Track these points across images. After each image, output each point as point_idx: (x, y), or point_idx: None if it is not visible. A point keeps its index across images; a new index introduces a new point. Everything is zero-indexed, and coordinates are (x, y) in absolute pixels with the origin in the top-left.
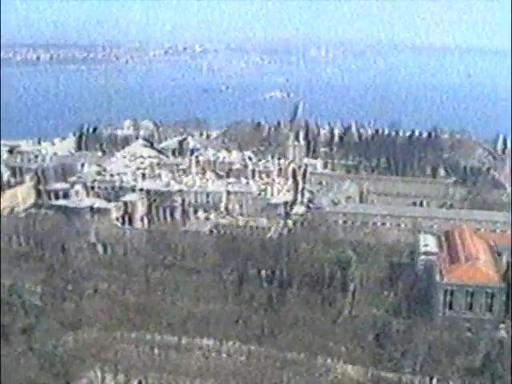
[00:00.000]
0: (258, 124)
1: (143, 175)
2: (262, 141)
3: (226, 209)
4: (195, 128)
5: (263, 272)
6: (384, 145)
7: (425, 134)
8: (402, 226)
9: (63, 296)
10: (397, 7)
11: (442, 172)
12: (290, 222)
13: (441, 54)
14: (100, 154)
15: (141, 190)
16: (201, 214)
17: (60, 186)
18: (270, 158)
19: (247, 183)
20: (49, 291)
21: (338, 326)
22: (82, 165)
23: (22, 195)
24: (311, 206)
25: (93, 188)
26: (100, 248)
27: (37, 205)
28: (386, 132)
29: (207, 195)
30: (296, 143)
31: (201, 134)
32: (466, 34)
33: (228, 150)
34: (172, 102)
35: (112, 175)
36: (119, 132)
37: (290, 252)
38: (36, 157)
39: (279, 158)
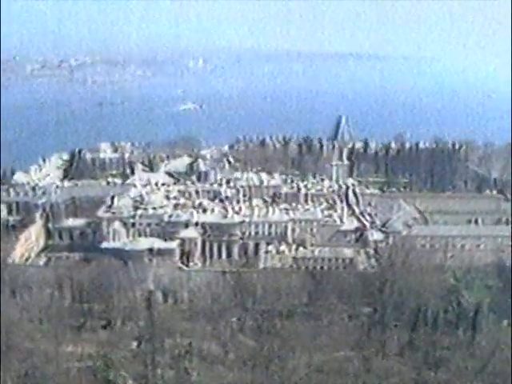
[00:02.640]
0: (263, 141)
1: (194, 207)
2: (290, 160)
3: (294, 239)
4: (183, 148)
5: (367, 310)
6: (409, 159)
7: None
8: (482, 246)
9: (154, 363)
10: (266, 12)
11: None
12: (370, 251)
13: (331, 60)
14: (104, 183)
15: (196, 223)
16: (270, 247)
17: (72, 222)
18: (313, 179)
19: (307, 209)
20: (129, 357)
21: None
22: (113, 197)
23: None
24: (386, 230)
25: (134, 225)
26: (160, 296)
27: (49, 247)
28: (408, 146)
29: (270, 225)
30: (339, 162)
31: (190, 155)
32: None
33: (258, 172)
34: (69, 117)
35: (155, 208)
36: (101, 155)
37: (393, 285)
38: (33, 189)
39: (322, 180)
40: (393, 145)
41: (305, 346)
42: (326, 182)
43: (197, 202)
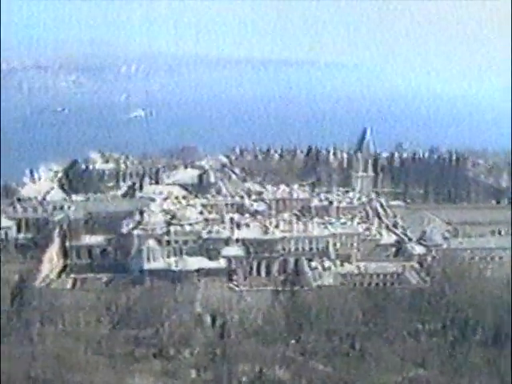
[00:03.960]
0: (267, 151)
1: (232, 222)
2: (298, 171)
3: (337, 255)
4: (178, 158)
5: (428, 326)
6: (417, 170)
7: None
8: None
9: None
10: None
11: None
12: (415, 265)
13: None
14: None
15: (236, 240)
16: (313, 263)
17: (90, 240)
18: (339, 192)
19: (344, 223)
20: None
21: None
22: (141, 212)
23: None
24: (427, 244)
25: (169, 243)
26: (208, 319)
27: (68, 268)
28: (421, 155)
29: (310, 241)
30: (364, 174)
31: (186, 166)
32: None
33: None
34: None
35: (191, 224)
36: (97, 166)
37: (451, 299)
38: (41, 203)
39: (347, 191)
40: (403, 155)
41: (375, 367)
42: (351, 194)
43: (227, 216)
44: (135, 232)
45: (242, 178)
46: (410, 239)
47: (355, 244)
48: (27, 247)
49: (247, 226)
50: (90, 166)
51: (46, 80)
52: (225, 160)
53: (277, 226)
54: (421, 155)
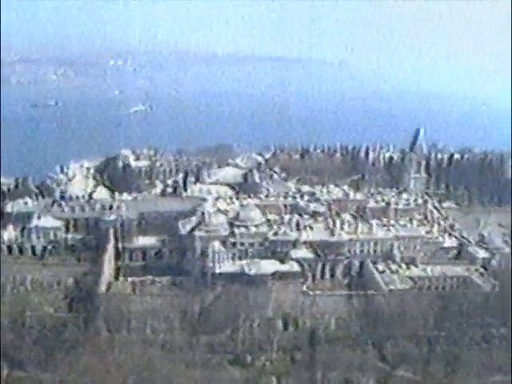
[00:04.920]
0: (307, 150)
1: (297, 225)
2: (342, 171)
3: (402, 258)
4: (214, 155)
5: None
6: (461, 170)
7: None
8: None
9: None
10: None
11: None
12: (479, 268)
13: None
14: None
15: (304, 242)
16: (380, 266)
17: (143, 241)
18: (392, 193)
19: (404, 225)
20: None
21: None
22: (202, 213)
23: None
24: (488, 247)
25: (234, 245)
26: (282, 324)
27: (122, 270)
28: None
29: (375, 243)
30: (417, 175)
31: (219, 165)
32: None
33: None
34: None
35: (256, 226)
36: (133, 164)
37: None
38: (88, 201)
39: (400, 193)
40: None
41: (459, 373)
42: (405, 196)
43: (286, 217)
44: (197, 233)
45: (283, 177)
46: (469, 242)
47: (418, 247)
48: (77, 248)
49: (310, 227)
50: (127, 164)
51: (34, 74)
52: (259, 159)
53: (342, 228)
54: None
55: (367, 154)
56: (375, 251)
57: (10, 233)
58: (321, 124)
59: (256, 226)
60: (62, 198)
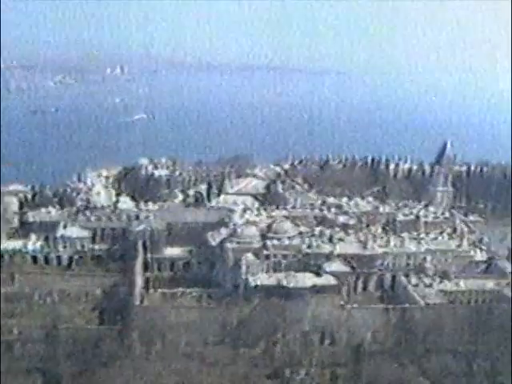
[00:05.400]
0: (326, 162)
1: (330, 239)
2: (370, 182)
3: (435, 271)
4: (233, 165)
5: None
6: (480, 182)
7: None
8: None
9: None
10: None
11: None
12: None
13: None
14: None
15: (338, 255)
16: (413, 279)
17: (171, 252)
18: (419, 206)
19: (435, 238)
20: None
21: None
22: (234, 224)
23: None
24: None
25: (268, 257)
26: (317, 338)
27: (150, 282)
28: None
29: (408, 256)
30: (444, 188)
31: (246, 175)
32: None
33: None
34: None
35: (290, 238)
36: (156, 173)
37: None
38: (113, 211)
39: (426, 206)
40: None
41: None
42: (432, 209)
43: (316, 230)
44: (229, 245)
45: (305, 188)
46: (498, 255)
47: (450, 260)
48: (103, 259)
49: (341, 240)
50: (151, 173)
51: (32, 80)
52: (278, 170)
53: (374, 241)
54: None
55: (387, 165)
56: (407, 264)
57: (33, 242)
58: (327, 133)
59: (289, 238)
60: (86, 207)
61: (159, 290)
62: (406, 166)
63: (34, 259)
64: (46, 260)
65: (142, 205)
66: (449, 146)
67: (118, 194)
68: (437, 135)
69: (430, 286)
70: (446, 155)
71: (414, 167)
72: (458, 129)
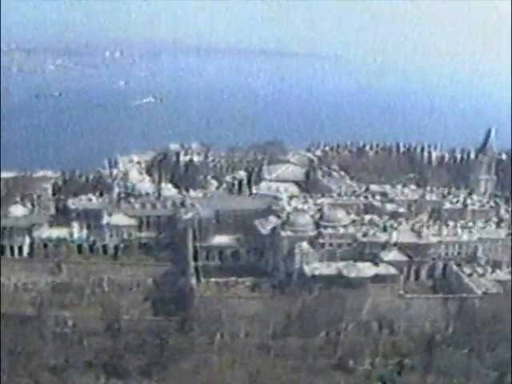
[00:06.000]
0: (362, 147)
1: (386, 227)
2: (406, 169)
3: (487, 261)
4: (266, 152)
5: None
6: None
7: None
8: None
9: None
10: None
11: None
12: None
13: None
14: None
15: (394, 244)
16: (466, 269)
17: (220, 240)
18: (463, 194)
19: (484, 227)
20: None
21: None
22: (289, 212)
23: None
24: None
25: (323, 246)
26: (379, 328)
27: (201, 271)
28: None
29: (460, 246)
30: (488, 176)
31: (278, 161)
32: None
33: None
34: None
35: (345, 226)
36: (187, 158)
37: None
38: (157, 198)
39: (470, 194)
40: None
41: None
42: (476, 197)
43: (366, 218)
44: (283, 233)
45: (341, 175)
46: None
47: (501, 249)
48: (150, 248)
49: (394, 228)
50: (190, 159)
51: (32, 63)
52: (310, 156)
53: (427, 230)
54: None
55: (422, 152)
56: (459, 253)
57: (78, 231)
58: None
59: (344, 226)
60: (128, 194)
61: (212, 280)
62: (437, 153)
63: (79, 248)
64: (91, 249)
65: (184, 192)
66: (493, 134)
67: (152, 181)
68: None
69: (483, 275)
70: (489, 143)
71: (446, 154)
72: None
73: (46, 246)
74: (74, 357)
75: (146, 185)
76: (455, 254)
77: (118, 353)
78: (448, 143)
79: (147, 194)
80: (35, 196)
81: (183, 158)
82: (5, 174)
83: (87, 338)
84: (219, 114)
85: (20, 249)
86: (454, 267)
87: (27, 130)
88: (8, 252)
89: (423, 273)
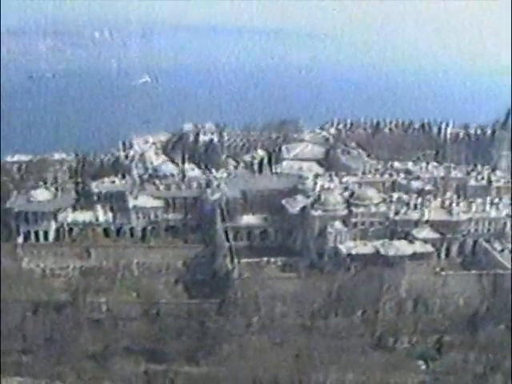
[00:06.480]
0: (377, 125)
1: (416, 205)
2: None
3: None
4: (281, 130)
5: None
6: None
7: None
8: None
9: None
10: None
11: None
12: None
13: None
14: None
15: (426, 221)
16: (497, 245)
17: (248, 220)
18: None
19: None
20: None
21: None
22: (319, 191)
23: None
24: None
25: (355, 225)
26: (416, 306)
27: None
28: None
29: (489, 222)
30: (509, 152)
31: (293, 140)
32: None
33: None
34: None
35: (377, 205)
36: (206, 138)
37: None
38: (183, 178)
39: (493, 170)
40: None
41: None
42: (498, 173)
43: (394, 196)
44: (314, 213)
45: (359, 153)
46: None
47: None
48: (177, 229)
49: (425, 206)
50: (211, 139)
51: (22, 44)
52: (325, 134)
53: (457, 207)
54: None
55: (439, 129)
56: (488, 230)
57: (101, 214)
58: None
59: (376, 205)
60: (150, 175)
61: (243, 260)
62: (451, 129)
63: (105, 231)
64: (118, 232)
65: (207, 172)
66: None
67: (183, 162)
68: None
69: None
70: (509, 120)
71: (460, 131)
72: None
73: (71, 230)
74: (114, 343)
75: (169, 166)
76: (484, 230)
77: (158, 338)
78: (459, 120)
79: (172, 175)
80: (52, 179)
81: (202, 138)
82: (19, 158)
83: (124, 324)
84: (218, 93)
85: (45, 234)
86: (484, 244)
87: (27, 112)
88: (33, 237)
89: (453, 250)
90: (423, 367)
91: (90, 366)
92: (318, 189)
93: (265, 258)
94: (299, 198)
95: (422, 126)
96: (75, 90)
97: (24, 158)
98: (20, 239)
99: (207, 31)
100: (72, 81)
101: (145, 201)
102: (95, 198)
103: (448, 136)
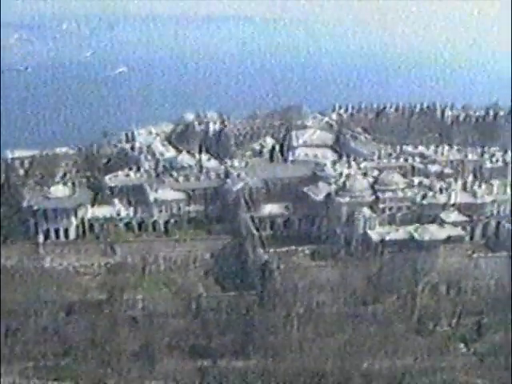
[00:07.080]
0: (382, 109)
1: (442, 188)
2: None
3: None
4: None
5: None
6: None
7: None
8: None
9: None
10: None
11: None
12: None
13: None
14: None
15: (452, 205)
16: None
17: (271, 210)
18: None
19: None
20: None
21: None
22: (346, 178)
23: None
24: None
25: (383, 210)
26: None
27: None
28: None
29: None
30: None
31: (297, 126)
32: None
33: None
34: None
35: (403, 190)
36: (216, 127)
37: None
38: (201, 169)
39: (506, 151)
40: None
41: None
42: (510, 154)
43: (415, 180)
44: (341, 199)
45: (367, 138)
46: None
47: None
48: (200, 221)
49: (449, 189)
50: (221, 128)
51: None
52: (328, 120)
53: (480, 189)
54: None
55: (443, 112)
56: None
57: (121, 209)
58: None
59: (403, 190)
60: (165, 168)
61: (271, 250)
62: (454, 111)
63: (126, 226)
64: (139, 226)
65: (224, 162)
66: None
67: (200, 152)
68: None
69: None
70: None
71: (461, 113)
72: None
73: (91, 226)
74: (155, 341)
75: (185, 157)
76: (507, 212)
77: (202, 333)
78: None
79: (190, 166)
80: (61, 175)
81: (213, 127)
82: (20, 154)
83: (163, 320)
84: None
85: (66, 231)
86: (508, 225)
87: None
88: (53, 235)
89: (477, 232)
90: (464, 350)
91: (134, 366)
92: (337, 175)
93: (293, 247)
94: (321, 185)
95: (425, 108)
96: (50, 83)
97: (25, 153)
98: (40, 238)
99: (188, 20)
100: (46, 73)
101: (165, 194)
102: (108, 192)
103: (451, 118)
